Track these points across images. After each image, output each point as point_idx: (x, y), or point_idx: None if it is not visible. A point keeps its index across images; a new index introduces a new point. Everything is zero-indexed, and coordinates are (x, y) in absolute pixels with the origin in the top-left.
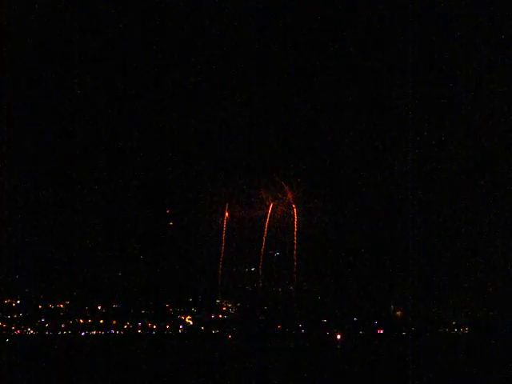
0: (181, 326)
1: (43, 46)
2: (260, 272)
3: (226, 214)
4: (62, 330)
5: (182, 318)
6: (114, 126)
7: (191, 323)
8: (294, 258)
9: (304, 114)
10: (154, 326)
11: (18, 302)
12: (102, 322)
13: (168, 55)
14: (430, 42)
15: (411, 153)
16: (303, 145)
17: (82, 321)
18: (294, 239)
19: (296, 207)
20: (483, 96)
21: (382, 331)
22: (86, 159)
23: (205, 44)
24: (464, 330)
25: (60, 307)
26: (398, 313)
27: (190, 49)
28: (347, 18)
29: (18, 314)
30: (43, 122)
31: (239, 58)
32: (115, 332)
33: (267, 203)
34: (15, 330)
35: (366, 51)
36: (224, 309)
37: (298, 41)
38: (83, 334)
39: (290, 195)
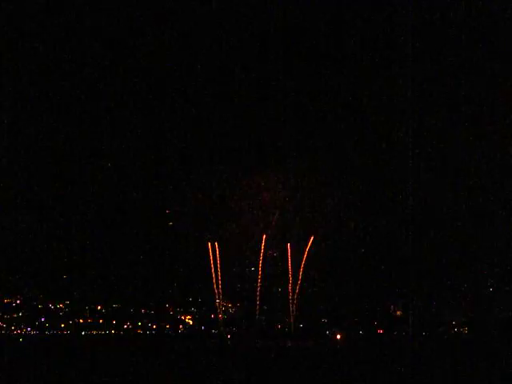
0: (181, 326)
1: (43, 47)
2: (260, 272)
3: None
4: (62, 329)
5: (182, 318)
6: (115, 125)
7: (191, 323)
8: (289, 258)
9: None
10: (154, 326)
11: (18, 301)
12: (101, 321)
13: (168, 54)
14: (431, 42)
15: (411, 153)
16: (302, 146)
17: (81, 321)
18: (292, 241)
19: (297, 212)
20: (483, 95)
21: (381, 331)
22: (86, 160)
23: (207, 43)
24: (464, 330)
25: (60, 307)
26: (398, 313)
27: (192, 49)
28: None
29: (18, 314)
30: (44, 121)
31: (241, 60)
32: (115, 332)
33: (270, 206)
34: (15, 329)
35: (365, 51)
36: (224, 309)
37: (299, 40)
38: (83, 333)
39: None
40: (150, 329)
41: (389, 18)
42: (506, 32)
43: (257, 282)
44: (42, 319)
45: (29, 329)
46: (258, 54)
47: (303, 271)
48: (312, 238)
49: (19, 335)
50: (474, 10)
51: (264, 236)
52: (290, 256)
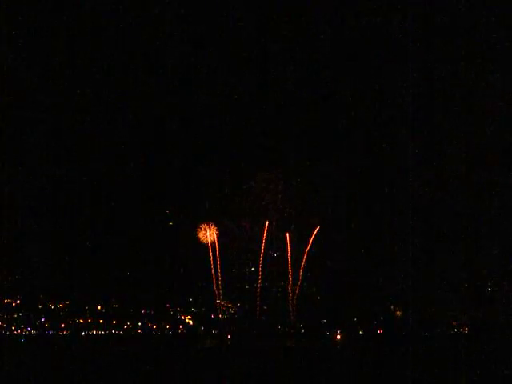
0: (181, 326)
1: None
2: (260, 272)
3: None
4: (62, 329)
5: (182, 317)
6: (116, 125)
7: (191, 323)
8: (289, 258)
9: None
10: (154, 326)
11: (18, 301)
12: (101, 322)
13: (171, 56)
14: (431, 41)
15: (411, 154)
16: (302, 145)
17: (81, 321)
18: (291, 242)
19: (296, 211)
20: (483, 95)
21: (381, 331)
22: (86, 159)
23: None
24: (464, 330)
25: (60, 307)
26: (398, 313)
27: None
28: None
29: (18, 314)
30: (47, 122)
31: (241, 59)
32: (115, 332)
33: (268, 203)
34: (15, 329)
35: (366, 50)
36: (224, 309)
37: (300, 40)
38: (83, 333)
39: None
40: (150, 329)
41: (389, 17)
42: (506, 31)
43: (257, 282)
44: (42, 319)
45: (29, 329)
46: (259, 54)
47: (303, 271)
48: (318, 228)
49: (19, 335)
50: (475, 10)
51: (267, 222)
52: (290, 253)
